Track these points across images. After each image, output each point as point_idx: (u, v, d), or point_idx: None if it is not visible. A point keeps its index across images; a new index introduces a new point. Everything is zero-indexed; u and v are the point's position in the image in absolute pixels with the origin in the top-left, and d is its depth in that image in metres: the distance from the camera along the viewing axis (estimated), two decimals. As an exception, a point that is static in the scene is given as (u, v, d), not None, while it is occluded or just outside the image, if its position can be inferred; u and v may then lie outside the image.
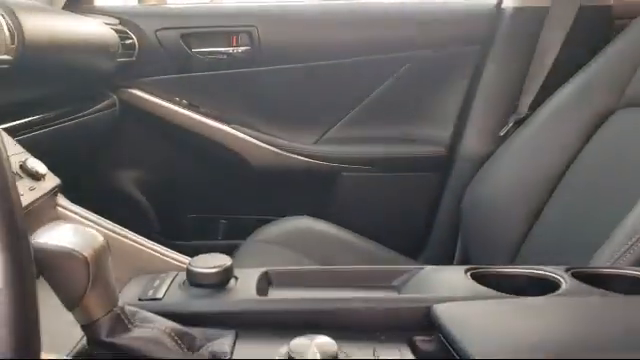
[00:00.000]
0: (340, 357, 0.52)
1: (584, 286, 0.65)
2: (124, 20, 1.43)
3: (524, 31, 1.43)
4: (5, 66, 0.74)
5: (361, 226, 1.38)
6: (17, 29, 0.78)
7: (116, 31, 1.31)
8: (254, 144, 1.50)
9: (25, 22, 0.80)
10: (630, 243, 0.78)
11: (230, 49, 1.50)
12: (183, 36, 1.48)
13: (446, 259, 1.44)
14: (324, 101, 1.56)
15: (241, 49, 1.49)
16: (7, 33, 0.74)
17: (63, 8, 1.34)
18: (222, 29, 1.50)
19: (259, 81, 1.53)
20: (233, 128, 1.50)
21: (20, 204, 0.33)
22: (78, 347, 0.50)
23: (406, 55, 1.52)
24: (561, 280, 0.66)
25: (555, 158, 1.18)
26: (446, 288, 0.65)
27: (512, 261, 1.16)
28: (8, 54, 0.75)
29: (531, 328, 0.56)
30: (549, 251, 1.09)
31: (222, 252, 0.73)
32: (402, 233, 1.50)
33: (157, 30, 1.46)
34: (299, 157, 1.51)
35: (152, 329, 0.54)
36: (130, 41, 1.38)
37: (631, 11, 1.29)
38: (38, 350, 0.32)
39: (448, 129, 1.51)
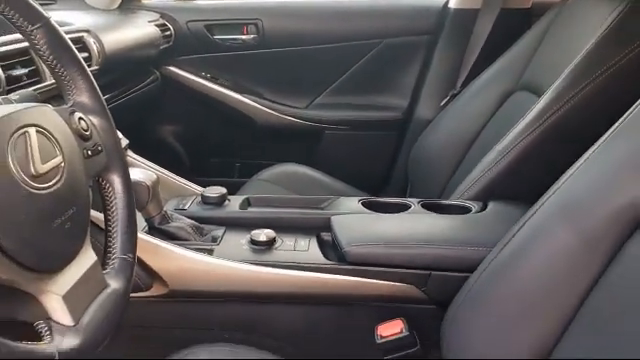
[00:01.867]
0: (277, 240, 0.97)
1: (423, 210, 1.07)
2: (163, 14, 1.75)
3: (462, 26, 1.68)
4: (95, 73, 1.16)
5: (337, 171, 1.64)
6: (101, 48, 1.19)
7: (158, 25, 1.65)
8: (259, 108, 1.80)
9: (105, 41, 1.21)
10: (474, 181, 1.11)
11: (242, 36, 1.79)
12: (207, 26, 1.78)
13: (401, 194, 1.67)
14: (312, 76, 1.83)
15: (250, 36, 1.79)
16: (96, 52, 1.17)
17: (119, 7, 1.71)
18: (235, 21, 1.79)
19: (264, 60, 1.81)
20: (244, 96, 1.80)
21: (126, 159, 0.76)
22: (145, 229, 0.96)
23: (375, 42, 1.77)
24: (412, 205, 1.08)
25: (473, 123, 1.42)
26: (343, 209, 1.07)
27: (441, 194, 1.40)
28: (97, 65, 1.17)
29: (380, 228, 0.98)
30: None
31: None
32: (369, 177, 1.78)
33: (187, 22, 1.77)
34: (293, 118, 1.81)
35: (181, 223, 0.99)
36: (168, 32, 1.71)
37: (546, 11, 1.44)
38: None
39: (405, 99, 1.78)
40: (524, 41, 1.44)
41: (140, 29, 1.54)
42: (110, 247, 0.69)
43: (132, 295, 0.91)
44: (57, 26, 0.67)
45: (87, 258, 0.62)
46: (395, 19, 1.81)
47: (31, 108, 0.59)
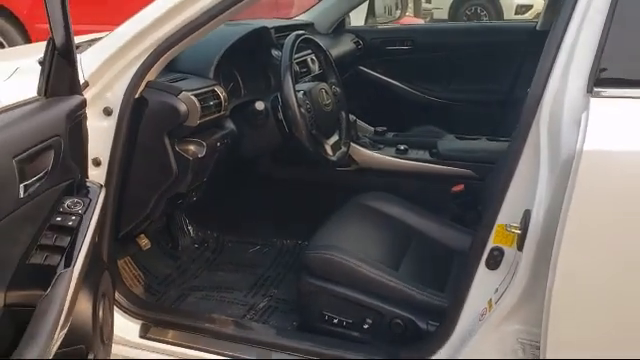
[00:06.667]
0: (409, 151, 1.86)
1: (487, 141, 1.87)
2: (357, 34, 2.61)
3: (543, 41, 2.37)
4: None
5: (457, 132, 2.23)
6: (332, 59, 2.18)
7: (354, 42, 2.56)
8: (410, 91, 2.61)
9: (334, 55, 2.19)
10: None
11: (402, 47, 2.60)
12: (382, 41, 2.62)
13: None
14: (445, 70, 2.58)
15: (407, 47, 2.59)
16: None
17: (332, 32, 2.68)
18: (399, 38, 2.61)
19: (415, 62, 2.59)
20: (402, 83, 2.61)
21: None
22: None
23: (488, 49, 2.46)
24: (481, 139, 1.89)
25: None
26: (446, 139, 1.93)
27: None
28: (328, 66, 2.16)
29: (461, 145, 1.83)
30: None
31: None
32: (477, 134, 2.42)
33: (371, 39, 2.62)
34: (431, 97, 2.60)
35: (365, 140, 1.93)
36: (360, 46, 2.57)
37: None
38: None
39: (504, 87, 2.44)
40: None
41: (346, 46, 2.49)
42: (341, 136, 1.65)
43: (341, 168, 1.88)
44: (328, 53, 1.64)
45: (336, 136, 1.59)
46: (502, 35, 2.54)
47: (321, 82, 1.57)
